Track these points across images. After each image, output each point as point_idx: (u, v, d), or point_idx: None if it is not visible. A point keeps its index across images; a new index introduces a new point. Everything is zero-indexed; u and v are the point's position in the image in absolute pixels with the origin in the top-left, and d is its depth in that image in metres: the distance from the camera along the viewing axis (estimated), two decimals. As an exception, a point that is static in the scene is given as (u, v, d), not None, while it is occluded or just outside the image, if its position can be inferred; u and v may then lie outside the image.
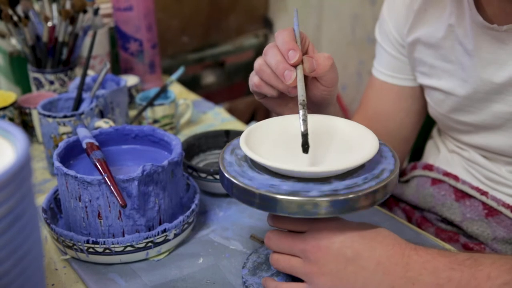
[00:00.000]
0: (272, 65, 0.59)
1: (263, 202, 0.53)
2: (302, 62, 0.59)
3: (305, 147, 0.55)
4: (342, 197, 0.52)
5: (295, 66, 0.58)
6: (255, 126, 0.62)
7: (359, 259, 0.53)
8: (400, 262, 0.52)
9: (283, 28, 0.61)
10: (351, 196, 0.52)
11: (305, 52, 0.63)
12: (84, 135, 0.71)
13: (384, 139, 0.87)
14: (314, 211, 0.52)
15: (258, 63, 0.60)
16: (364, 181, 0.55)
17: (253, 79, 0.62)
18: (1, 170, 0.34)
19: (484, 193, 0.77)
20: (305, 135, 0.55)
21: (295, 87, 0.59)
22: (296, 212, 0.52)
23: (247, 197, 0.54)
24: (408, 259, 0.52)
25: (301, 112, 0.57)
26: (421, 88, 0.85)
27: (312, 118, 0.62)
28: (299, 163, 0.58)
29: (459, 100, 0.76)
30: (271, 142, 0.61)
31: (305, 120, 0.56)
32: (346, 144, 0.60)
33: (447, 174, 0.82)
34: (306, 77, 0.60)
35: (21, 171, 0.35)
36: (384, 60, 0.87)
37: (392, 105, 0.88)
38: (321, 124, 0.63)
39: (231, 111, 1.47)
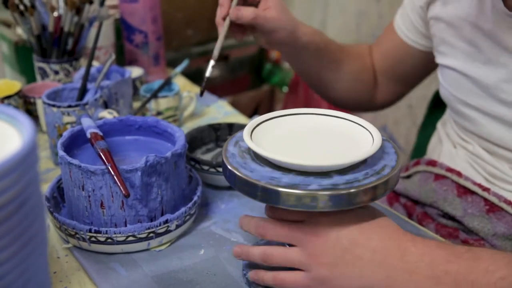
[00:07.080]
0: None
1: (265, 194, 0.54)
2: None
3: (202, 91, 0.77)
4: (342, 192, 0.53)
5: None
6: (259, 119, 0.62)
7: (356, 248, 0.53)
8: (396, 253, 0.52)
9: None
10: (351, 190, 0.53)
11: (256, 4, 0.82)
12: (89, 125, 0.72)
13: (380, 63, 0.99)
14: (314, 205, 0.53)
15: None
16: (364, 176, 0.55)
17: None
18: (7, 156, 0.35)
19: (486, 189, 0.77)
20: (206, 81, 0.77)
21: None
22: (296, 205, 0.53)
23: (249, 189, 0.55)
24: (405, 250, 0.52)
25: (211, 62, 0.78)
26: (430, 56, 0.88)
27: (317, 113, 0.63)
28: (301, 157, 0.59)
29: (473, 82, 0.76)
30: (275, 135, 0.61)
31: (214, 67, 0.78)
32: (349, 139, 0.61)
33: (450, 170, 0.82)
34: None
35: (27, 158, 0.36)
36: (405, 17, 0.91)
37: (398, 57, 0.95)
38: (325, 119, 0.63)
39: (234, 104, 1.47)
